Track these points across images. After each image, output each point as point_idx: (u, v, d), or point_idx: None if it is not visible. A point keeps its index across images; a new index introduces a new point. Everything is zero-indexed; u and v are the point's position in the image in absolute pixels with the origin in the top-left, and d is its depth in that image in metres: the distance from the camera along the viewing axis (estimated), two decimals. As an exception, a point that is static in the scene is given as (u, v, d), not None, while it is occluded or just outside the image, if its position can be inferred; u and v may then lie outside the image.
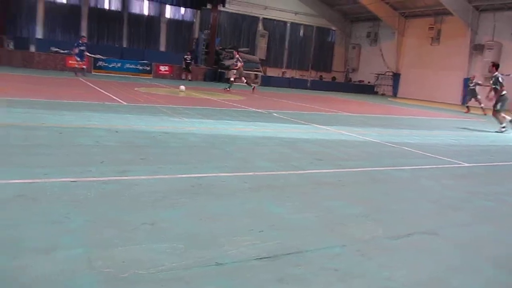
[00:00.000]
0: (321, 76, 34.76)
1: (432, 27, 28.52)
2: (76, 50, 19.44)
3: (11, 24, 24.96)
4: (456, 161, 6.61)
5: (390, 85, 31.95)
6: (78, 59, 19.49)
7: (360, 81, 34.14)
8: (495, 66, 11.65)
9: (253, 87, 19.89)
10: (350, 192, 4.36)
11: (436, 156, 6.82)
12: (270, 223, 3.22)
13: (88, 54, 20.38)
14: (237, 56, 19.40)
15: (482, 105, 17.21)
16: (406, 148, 7.38)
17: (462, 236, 3.38)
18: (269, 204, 3.68)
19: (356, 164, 5.82)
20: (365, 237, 3.14)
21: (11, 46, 23.75)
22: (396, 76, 31.58)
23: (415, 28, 30.16)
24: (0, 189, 3.42)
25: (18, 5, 25.40)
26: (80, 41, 19.66)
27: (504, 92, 11.16)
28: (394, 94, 31.43)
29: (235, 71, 19.26)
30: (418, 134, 9.90)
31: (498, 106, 11.24)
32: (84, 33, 27.21)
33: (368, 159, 6.24)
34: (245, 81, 19.87)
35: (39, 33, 26.18)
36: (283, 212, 3.52)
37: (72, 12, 26.97)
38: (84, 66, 20.02)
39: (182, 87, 15.60)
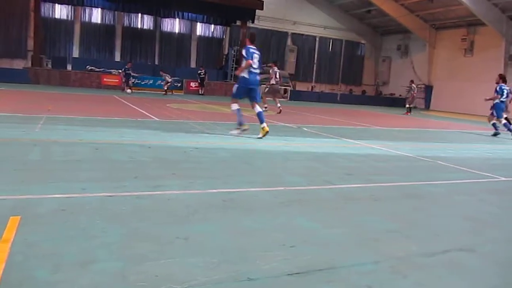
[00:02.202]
0: (350, 89, 34.55)
1: (465, 38, 27.98)
2: (123, 75, 21.03)
3: (50, 44, 26.09)
4: (492, 175, 6.41)
5: (422, 98, 31.39)
6: (124, 80, 21.10)
7: (391, 94, 33.73)
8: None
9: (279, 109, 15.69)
10: (383, 208, 4.30)
11: (472, 170, 6.64)
12: (302, 238, 3.22)
13: (133, 75, 21.56)
14: (275, 68, 16.26)
15: None
16: (440, 162, 7.22)
17: (501, 254, 3.27)
18: (300, 219, 3.68)
19: (388, 178, 5.73)
20: (399, 253, 3.08)
21: (49, 65, 24.76)
22: (428, 89, 31.02)
23: (447, 39, 29.66)
24: (41, 204, 3.55)
25: (56, 26, 26.56)
26: (127, 67, 21.00)
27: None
28: (427, 107, 30.84)
29: (268, 87, 16.39)
30: (453, 148, 9.67)
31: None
32: (118, 51, 28.19)
33: (401, 174, 6.14)
34: (275, 101, 16.10)
35: (75, 52, 27.23)
36: (314, 227, 3.51)
37: (107, 31, 27.98)
38: (129, 90, 21.04)
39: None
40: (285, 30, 32.20)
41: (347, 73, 34.88)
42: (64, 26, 26.91)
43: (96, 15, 27.60)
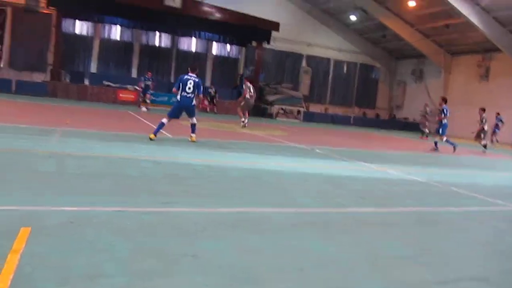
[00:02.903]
0: (364, 112, 34.47)
1: (481, 64, 27.83)
2: (142, 85, 20.81)
3: (69, 59, 26.62)
4: (509, 203, 6.28)
5: (437, 123, 31.15)
6: (142, 94, 20.74)
7: (404, 118, 33.53)
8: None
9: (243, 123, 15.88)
10: (396, 233, 4.23)
11: (487, 198, 6.51)
12: (313, 261, 3.17)
13: (150, 88, 21.03)
14: (248, 83, 16.51)
15: None
16: (455, 188, 7.10)
17: (517, 285, 3.18)
18: (311, 242, 3.63)
19: (402, 203, 5.65)
20: (412, 280, 3.01)
21: (68, 80, 25.22)
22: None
23: (462, 65, 29.55)
24: (51, 216, 3.57)
25: (76, 41, 27.14)
26: (146, 76, 20.86)
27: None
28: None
29: (243, 102, 16.34)
30: (468, 174, 9.53)
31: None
32: (134, 68, 28.62)
33: (414, 199, 6.05)
34: (245, 116, 16.11)
35: (93, 68, 27.72)
36: (326, 251, 3.45)
37: (125, 48, 28.47)
38: (144, 108, 20.58)
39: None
40: (300, 52, 32.43)
41: (361, 96, 34.86)
42: (84, 41, 27.48)
43: (115, 32, 28.16)
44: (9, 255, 2.69)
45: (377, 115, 34.70)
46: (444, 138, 14.04)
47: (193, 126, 9.76)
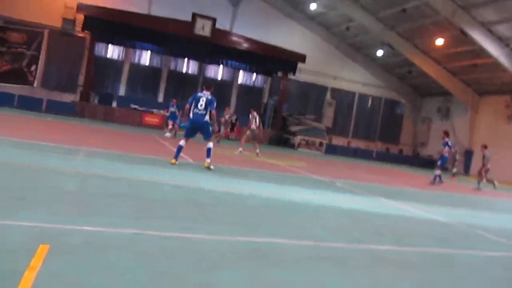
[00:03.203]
0: (387, 148, 34.10)
1: (509, 105, 27.38)
2: (167, 115, 21.23)
3: (99, 82, 27.45)
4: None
5: (462, 162, 30.51)
6: (171, 121, 20.87)
7: (429, 155, 32.97)
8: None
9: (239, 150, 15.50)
10: (415, 275, 4.10)
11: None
12: (328, 297, 3.09)
13: (177, 116, 20.99)
14: (254, 113, 16.29)
15: None
16: (479, 231, 6.88)
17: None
18: (328, 277, 3.55)
19: (422, 243, 5.50)
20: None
21: (96, 101, 25.92)
22: (468, 154, 30.18)
23: (490, 105, 29.11)
24: (71, 234, 3.61)
25: (107, 65, 28.03)
26: (172, 103, 21.27)
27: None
28: (466, 172, 29.90)
29: (248, 132, 16.14)
30: (493, 217, 9.24)
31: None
32: (161, 92, 29.24)
33: (435, 239, 5.88)
34: (255, 146, 16.03)
35: (121, 91, 28.45)
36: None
37: (153, 73, 29.21)
38: (168, 134, 20.58)
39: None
40: (325, 84, 32.60)
41: (384, 131, 34.60)
42: (114, 65, 28.36)
43: (145, 58, 28.99)
44: (26, 272, 2.72)
45: (401, 151, 34.26)
46: (439, 171, 14.44)
47: (208, 150, 9.46)
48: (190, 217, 4.88)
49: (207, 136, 9.63)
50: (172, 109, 20.79)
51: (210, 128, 9.78)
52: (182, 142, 9.55)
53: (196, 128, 9.62)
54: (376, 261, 4.30)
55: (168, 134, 20.53)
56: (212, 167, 9.28)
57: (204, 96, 9.45)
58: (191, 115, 9.48)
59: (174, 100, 21.85)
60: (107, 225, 4.03)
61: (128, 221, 4.31)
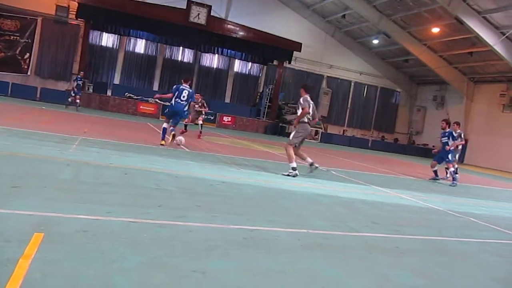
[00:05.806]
0: (383, 136, 34.20)
1: (504, 94, 27.45)
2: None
3: (93, 70, 27.25)
4: (528, 238, 6.10)
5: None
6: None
7: (424, 144, 33.12)
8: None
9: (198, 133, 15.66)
10: (408, 262, 4.14)
11: (505, 230, 6.34)
12: (322, 285, 3.12)
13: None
14: (200, 99, 15.90)
15: None
16: (472, 218, 6.95)
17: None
18: (322, 266, 3.58)
19: (415, 231, 5.55)
20: (422, 311, 2.93)
21: (91, 90, 25.75)
22: (463, 142, 30.33)
23: (485, 93, 29.18)
24: (65, 223, 3.61)
25: (101, 53, 27.79)
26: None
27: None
28: (460, 161, 30.07)
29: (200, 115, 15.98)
30: (486, 205, 9.31)
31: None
32: (156, 81, 29.08)
33: (429, 227, 5.93)
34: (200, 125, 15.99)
35: (116, 79, 28.27)
36: (336, 276, 3.40)
37: (148, 61, 29.00)
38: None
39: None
40: (320, 73, 32.54)
41: (380, 120, 34.67)
42: (109, 53, 28.11)
43: (140, 46, 28.74)
44: (20, 260, 2.72)
45: (396, 140, 34.38)
46: (452, 167, 12.71)
47: (164, 130, 10.92)
48: (184, 206, 4.89)
49: (175, 123, 11.02)
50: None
51: (186, 114, 11.73)
52: (165, 125, 11.08)
53: (175, 114, 10.97)
54: (370, 248, 4.33)
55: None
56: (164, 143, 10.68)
57: (186, 89, 10.83)
58: (173, 103, 10.80)
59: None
60: (101, 213, 4.03)
61: (122, 210, 4.31)
